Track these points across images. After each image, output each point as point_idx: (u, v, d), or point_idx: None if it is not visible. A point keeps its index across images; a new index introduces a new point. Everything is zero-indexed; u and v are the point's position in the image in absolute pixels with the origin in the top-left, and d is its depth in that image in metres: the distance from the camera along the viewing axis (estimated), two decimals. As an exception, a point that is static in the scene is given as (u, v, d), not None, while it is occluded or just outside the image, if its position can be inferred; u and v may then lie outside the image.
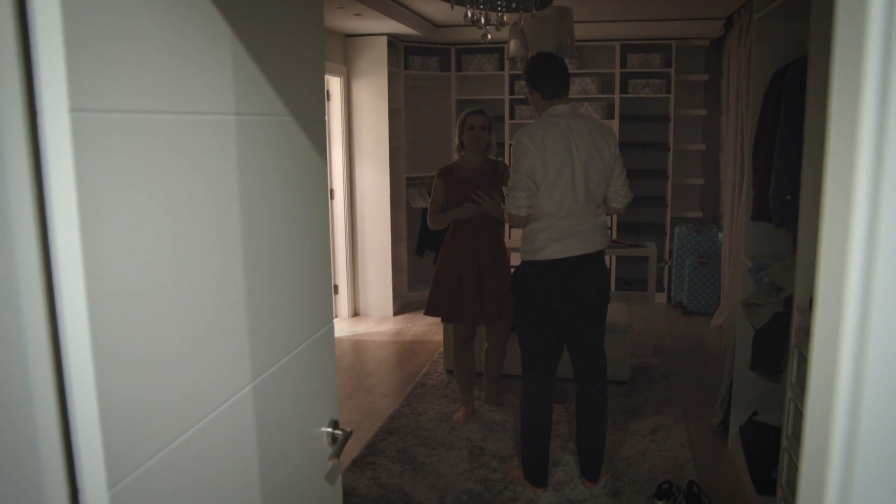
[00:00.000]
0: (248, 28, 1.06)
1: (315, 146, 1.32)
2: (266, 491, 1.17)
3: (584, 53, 6.14)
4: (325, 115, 1.40)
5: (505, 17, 3.33)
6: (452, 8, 3.11)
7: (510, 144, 5.31)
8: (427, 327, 5.54)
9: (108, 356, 0.77)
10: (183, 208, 0.92)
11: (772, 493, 2.73)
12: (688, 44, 6.05)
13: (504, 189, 2.90)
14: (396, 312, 6.01)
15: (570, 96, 2.92)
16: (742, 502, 2.96)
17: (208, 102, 0.97)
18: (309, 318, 1.32)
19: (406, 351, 5.04)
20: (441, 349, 4.86)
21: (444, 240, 3.67)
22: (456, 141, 3.64)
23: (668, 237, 6.18)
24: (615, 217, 5.94)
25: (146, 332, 0.85)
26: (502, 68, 6.24)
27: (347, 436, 1.40)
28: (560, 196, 2.76)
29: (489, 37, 3.41)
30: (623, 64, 6.03)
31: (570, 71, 2.93)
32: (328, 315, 1.41)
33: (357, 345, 5.23)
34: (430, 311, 3.68)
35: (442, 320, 3.77)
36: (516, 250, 3.32)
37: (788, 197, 2.71)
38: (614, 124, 5.98)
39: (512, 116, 6.32)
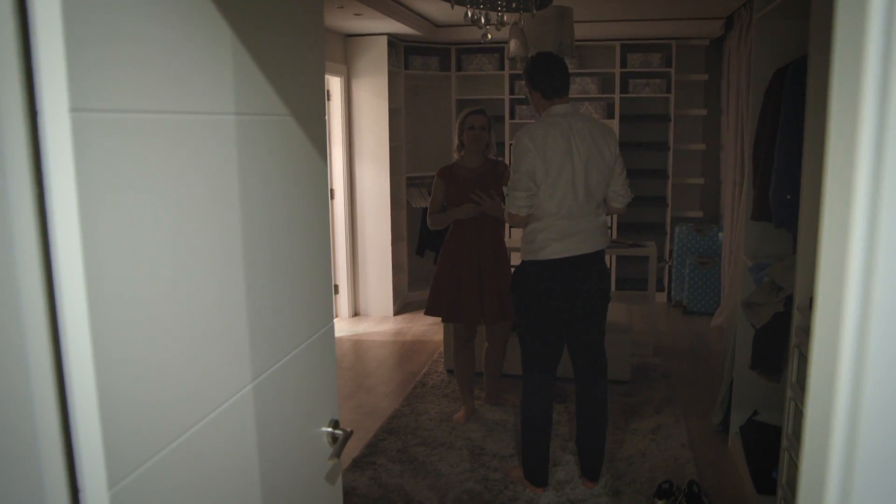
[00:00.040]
0: (249, 28, 1.06)
1: (315, 146, 1.32)
2: (266, 490, 1.17)
3: (585, 53, 6.14)
4: (325, 114, 1.40)
5: (505, 17, 3.33)
6: (453, 8, 3.12)
7: (510, 144, 5.30)
8: (427, 327, 5.54)
9: (109, 356, 0.77)
10: (183, 208, 0.92)
11: (772, 493, 2.73)
12: (688, 43, 6.05)
13: (504, 189, 2.90)
14: (397, 312, 6.01)
15: (570, 96, 2.92)
16: (742, 502, 2.96)
17: (208, 102, 0.97)
18: (309, 318, 1.32)
19: (406, 351, 5.04)
20: (441, 349, 4.86)
21: (444, 240, 3.67)
22: (456, 141, 3.64)
23: (668, 237, 6.18)
24: (615, 217, 5.94)
25: (146, 332, 0.85)
26: (502, 68, 6.24)
27: (348, 435, 1.40)
28: (560, 196, 2.76)
29: (489, 36, 3.42)
30: (623, 63, 6.03)
31: (570, 71, 2.93)
32: (328, 315, 1.41)
33: (357, 344, 5.23)
34: (430, 311, 3.68)
35: (442, 320, 3.77)
36: (517, 250, 3.31)
37: (789, 196, 2.71)
38: (614, 124, 5.98)
39: (512, 116, 6.32)
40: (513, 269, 3.11)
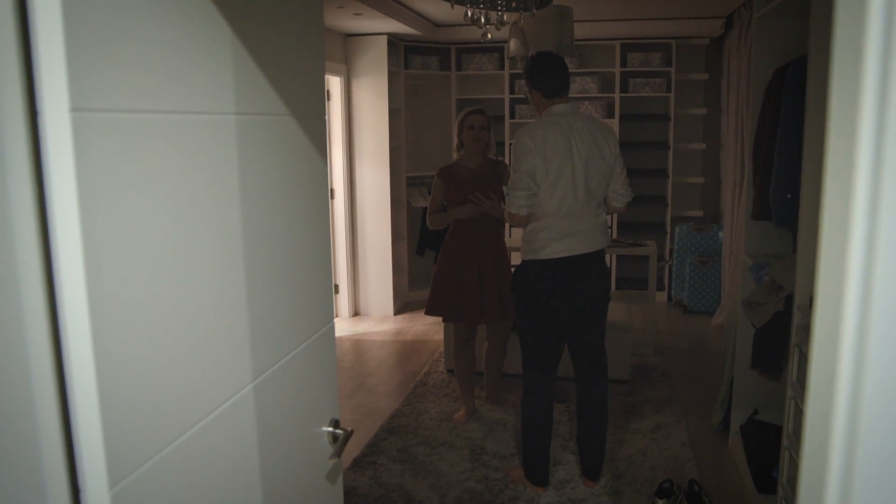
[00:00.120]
0: (249, 28, 1.06)
1: (315, 146, 1.32)
2: (267, 490, 1.17)
3: (585, 52, 6.14)
4: (325, 114, 1.40)
5: (505, 17, 3.33)
6: (452, 7, 3.11)
7: (510, 144, 5.31)
8: (427, 327, 5.55)
9: (109, 356, 0.78)
10: (183, 208, 0.92)
11: (772, 492, 2.73)
12: (688, 43, 6.05)
13: (504, 188, 2.90)
14: (397, 312, 6.01)
15: (570, 95, 2.92)
16: (743, 501, 2.96)
17: (209, 102, 0.97)
18: (309, 318, 1.32)
19: (407, 350, 5.04)
20: (441, 348, 4.86)
21: (444, 239, 3.67)
22: (455, 140, 3.64)
23: (668, 236, 6.18)
24: (615, 216, 5.94)
25: (147, 332, 0.85)
26: (502, 67, 6.24)
27: (348, 435, 1.40)
28: (560, 195, 2.76)
29: (489, 36, 3.42)
30: (623, 63, 6.03)
31: (570, 70, 2.93)
32: (329, 314, 1.41)
33: (358, 344, 5.23)
34: (430, 311, 3.68)
35: (443, 320, 3.77)
36: (517, 250, 3.31)
37: (789, 196, 2.71)
38: (614, 123, 5.98)
39: (512, 116, 6.32)
40: (513, 269, 3.11)
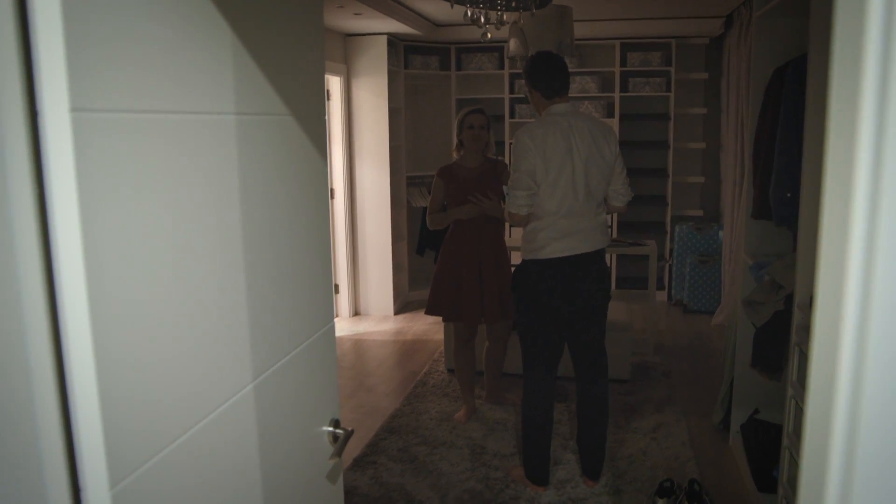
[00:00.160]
0: (249, 28, 1.06)
1: (315, 145, 1.32)
2: (267, 490, 1.17)
3: (584, 52, 6.14)
4: (325, 114, 1.40)
5: (505, 16, 3.33)
6: (452, 7, 3.12)
7: (510, 143, 5.30)
8: (428, 326, 5.55)
9: (110, 356, 0.78)
10: (184, 208, 0.92)
11: (773, 491, 2.73)
12: (688, 42, 6.05)
13: (504, 188, 2.90)
14: (397, 312, 6.01)
15: (570, 95, 2.92)
16: (743, 500, 2.96)
17: (209, 102, 0.97)
18: (310, 318, 1.33)
19: (407, 350, 5.04)
20: (442, 348, 4.86)
21: (444, 239, 3.67)
22: (455, 140, 3.64)
23: (668, 235, 6.18)
24: (615, 215, 5.94)
25: (147, 332, 0.85)
26: (502, 67, 6.24)
27: (348, 435, 1.40)
28: (560, 195, 2.76)
29: (489, 36, 3.42)
30: (623, 62, 6.03)
31: (570, 70, 2.93)
32: (329, 314, 1.41)
33: (358, 344, 5.23)
34: (430, 311, 3.68)
35: (443, 319, 3.77)
36: (517, 249, 3.32)
37: (789, 195, 2.71)
38: (614, 123, 5.98)
39: (512, 115, 6.32)
40: (513, 269, 3.11)
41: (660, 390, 4.14)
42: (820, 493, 0.57)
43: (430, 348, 5.04)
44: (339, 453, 1.37)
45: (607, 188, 2.88)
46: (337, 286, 5.84)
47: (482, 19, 3.24)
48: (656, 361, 4.65)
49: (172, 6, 0.88)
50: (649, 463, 3.26)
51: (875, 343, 0.52)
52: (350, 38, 5.61)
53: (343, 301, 5.88)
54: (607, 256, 5.38)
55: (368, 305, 5.98)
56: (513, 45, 3.94)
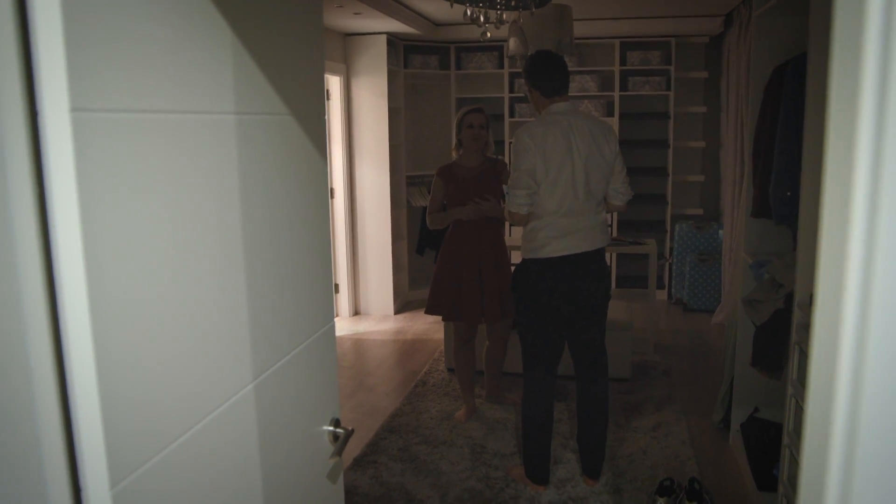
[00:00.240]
0: (248, 27, 1.06)
1: (315, 145, 1.32)
2: (268, 489, 1.18)
3: (584, 51, 6.14)
4: (325, 113, 1.40)
5: (504, 16, 3.33)
6: (452, 6, 3.12)
7: (510, 142, 5.31)
8: (428, 326, 5.55)
9: (110, 356, 0.78)
10: (184, 207, 0.92)
11: (773, 490, 2.73)
12: (687, 41, 6.05)
13: (504, 187, 2.90)
14: (397, 311, 6.01)
15: (569, 94, 2.92)
16: (743, 499, 2.97)
17: (209, 102, 0.97)
18: (310, 317, 1.33)
19: (407, 349, 5.05)
20: (442, 347, 4.86)
21: (444, 239, 3.67)
22: (454, 139, 3.63)
23: (668, 234, 6.19)
24: (615, 214, 5.94)
25: (147, 332, 0.85)
26: (502, 66, 6.24)
27: (349, 434, 1.40)
28: (560, 194, 2.76)
29: (489, 35, 3.42)
30: (623, 61, 6.03)
31: (569, 69, 2.93)
32: (329, 314, 1.41)
33: (358, 343, 5.23)
34: (430, 310, 3.68)
35: (443, 319, 3.77)
36: (517, 248, 3.31)
37: (788, 193, 2.71)
38: (614, 122, 5.98)
39: (512, 115, 6.32)
40: (513, 268, 3.11)
41: (660, 389, 4.15)
42: (820, 492, 0.57)
43: (430, 348, 5.04)
44: (339, 453, 1.37)
45: (607, 187, 2.88)
46: (337, 286, 5.84)
47: (482, 18, 3.24)
48: (656, 360, 4.65)
49: (172, 6, 0.88)
50: (649, 462, 3.27)
51: (875, 341, 0.52)
52: (350, 38, 5.61)
53: (343, 301, 5.88)
54: (607, 255, 5.39)
55: (368, 305, 5.98)
56: (512, 44, 3.94)
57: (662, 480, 2.94)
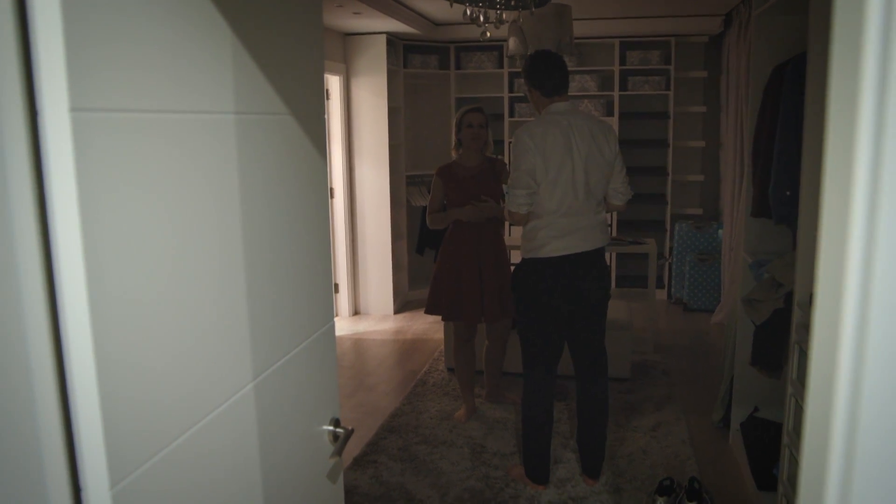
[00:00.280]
0: (248, 27, 1.06)
1: (315, 144, 1.32)
2: (268, 489, 1.18)
3: (584, 51, 6.14)
4: (324, 113, 1.40)
5: (504, 15, 3.33)
6: (452, 6, 3.11)
7: (510, 142, 5.31)
8: (428, 325, 5.55)
9: (110, 356, 0.78)
10: (183, 207, 0.92)
11: (773, 489, 2.73)
12: (687, 40, 6.05)
13: (504, 187, 2.90)
14: (397, 311, 6.01)
15: (569, 94, 2.92)
16: (743, 498, 2.97)
17: (208, 101, 0.97)
18: (309, 317, 1.33)
19: (407, 349, 5.05)
20: (442, 347, 4.86)
21: (444, 238, 3.67)
22: (454, 139, 3.63)
23: (668, 234, 6.19)
24: (615, 214, 5.94)
25: (147, 332, 0.85)
26: (501, 66, 6.24)
27: (349, 434, 1.40)
28: (560, 193, 2.76)
29: (488, 35, 3.41)
30: (622, 61, 6.03)
31: (569, 68, 2.93)
32: (329, 313, 1.41)
33: (358, 343, 5.23)
34: (430, 310, 3.68)
35: (442, 319, 3.77)
36: (517, 248, 3.31)
37: (788, 193, 2.71)
38: (614, 121, 5.98)
39: (511, 114, 6.32)
40: (513, 268, 3.11)
41: (660, 389, 4.15)
42: (820, 492, 0.57)
43: (430, 347, 5.04)
44: (339, 452, 1.37)
45: (607, 187, 2.88)
46: (337, 285, 5.84)
47: (481, 18, 3.24)
48: (656, 360, 4.66)
49: (172, 6, 0.88)
50: (649, 461, 3.27)
51: (875, 341, 0.52)
52: (349, 38, 5.60)
53: (343, 300, 5.88)
54: (607, 255, 5.39)
55: (368, 305, 5.98)
56: (512, 43, 3.94)
57: (662, 480, 2.94)
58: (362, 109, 5.68)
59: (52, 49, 0.69)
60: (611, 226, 6.01)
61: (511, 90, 6.27)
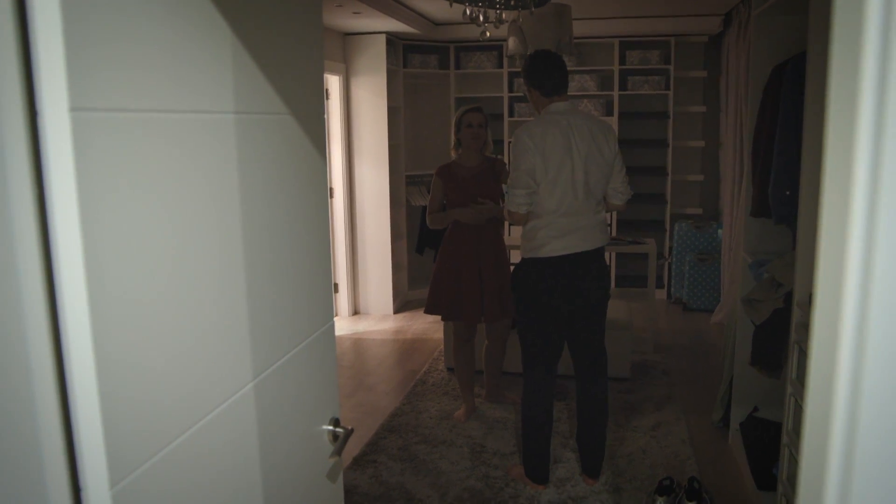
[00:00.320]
0: (248, 27, 1.06)
1: (315, 144, 1.32)
2: (267, 489, 1.18)
3: (583, 50, 6.14)
4: (324, 113, 1.40)
5: (504, 15, 3.33)
6: (451, 6, 3.12)
7: (509, 142, 5.31)
8: (427, 325, 5.55)
9: (110, 356, 0.78)
10: (183, 207, 0.92)
11: (772, 489, 2.73)
12: (687, 40, 6.05)
13: (504, 187, 2.90)
14: (397, 310, 6.01)
15: (569, 93, 2.92)
16: (743, 498, 2.97)
17: (208, 101, 0.97)
18: (309, 317, 1.33)
19: (406, 349, 5.05)
20: (441, 347, 4.86)
21: (443, 238, 3.67)
22: (453, 139, 3.63)
23: (667, 234, 6.19)
24: (615, 214, 5.94)
25: (147, 332, 0.85)
26: (501, 66, 6.24)
27: (348, 434, 1.40)
28: (560, 193, 2.76)
29: (488, 34, 3.41)
30: (622, 61, 6.03)
31: (569, 68, 2.93)
32: (328, 313, 1.41)
33: (357, 343, 5.23)
34: (430, 310, 3.68)
35: (442, 318, 3.77)
36: (516, 248, 3.31)
37: (788, 193, 2.71)
38: (613, 121, 5.98)
39: (511, 114, 6.32)
40: (513, 268, 3.11)
41: (659, 388, 4.15)
42: (819, 491, 0.57)
43: (430, 347, 5.04)
44: (339, 452, 1.37)
45: (607, 186, 2.88)
46: (336, 285, 5.84)
47: (481, 18, 3.24)
48: (656, 360, 4.66)
49: (172, 6, 0.88)
50: (649, 461, 3.27)
51: (874, 340, 0.52)
52: (349, 37, 5.60)
53: (342, 300, 5.88)
54: (607, 255, 5.39)
55: (368, 304, 5.98)
56: (511, 43, 3.94)
57: (662, 480, 2.94)
58: (362, 109, 5.68)
59: (51, 49, 0.69)
60: (610, 225, 6.01)
61: (511, 90, 6.27)
